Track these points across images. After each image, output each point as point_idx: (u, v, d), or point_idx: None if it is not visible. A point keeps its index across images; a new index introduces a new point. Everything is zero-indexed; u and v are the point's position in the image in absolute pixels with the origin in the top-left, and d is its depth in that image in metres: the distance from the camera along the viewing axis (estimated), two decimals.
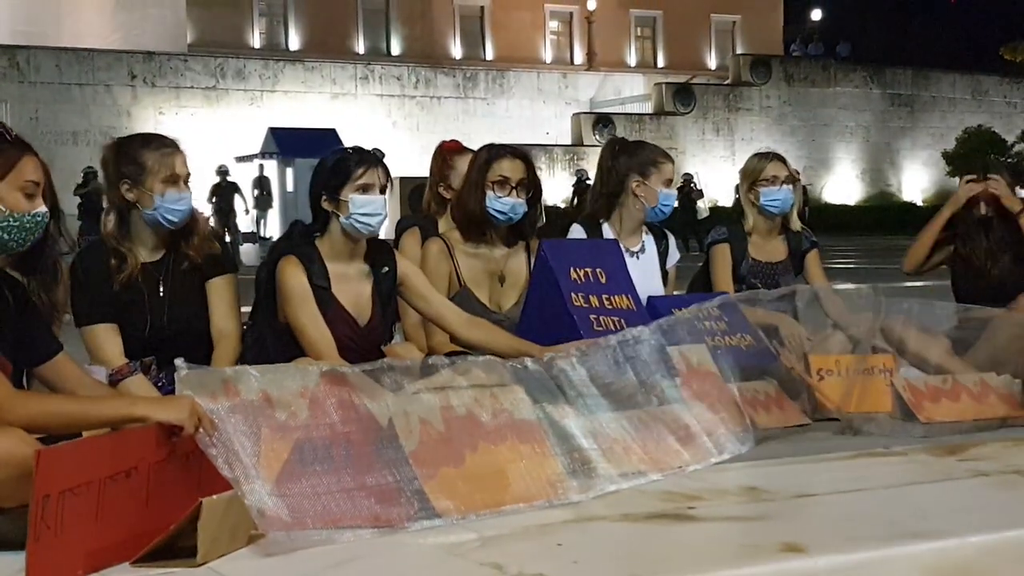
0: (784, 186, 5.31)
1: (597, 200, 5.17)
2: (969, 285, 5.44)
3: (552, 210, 25.36)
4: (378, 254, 4.17)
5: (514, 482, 3.31)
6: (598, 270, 4.53)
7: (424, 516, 3.11)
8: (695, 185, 27.23)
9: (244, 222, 27.15)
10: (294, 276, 3.98)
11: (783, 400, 4.46)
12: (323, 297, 4.01)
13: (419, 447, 3.23)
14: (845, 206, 39.03)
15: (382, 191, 4.04)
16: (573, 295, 4.38)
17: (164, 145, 4.11)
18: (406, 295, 4.24)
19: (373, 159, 4.08)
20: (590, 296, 4.42)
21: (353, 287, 4.10)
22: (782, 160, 5.44)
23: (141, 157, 4.05)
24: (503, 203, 4.55)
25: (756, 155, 5.57)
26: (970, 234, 5.49)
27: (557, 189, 30.95)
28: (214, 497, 2.85)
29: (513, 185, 4.56)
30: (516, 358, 3.75)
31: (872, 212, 37.74)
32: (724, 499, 3.41)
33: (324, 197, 4.05)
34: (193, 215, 4.14)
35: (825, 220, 33.68)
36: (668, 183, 5.12)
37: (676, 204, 5.11)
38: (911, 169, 41.68)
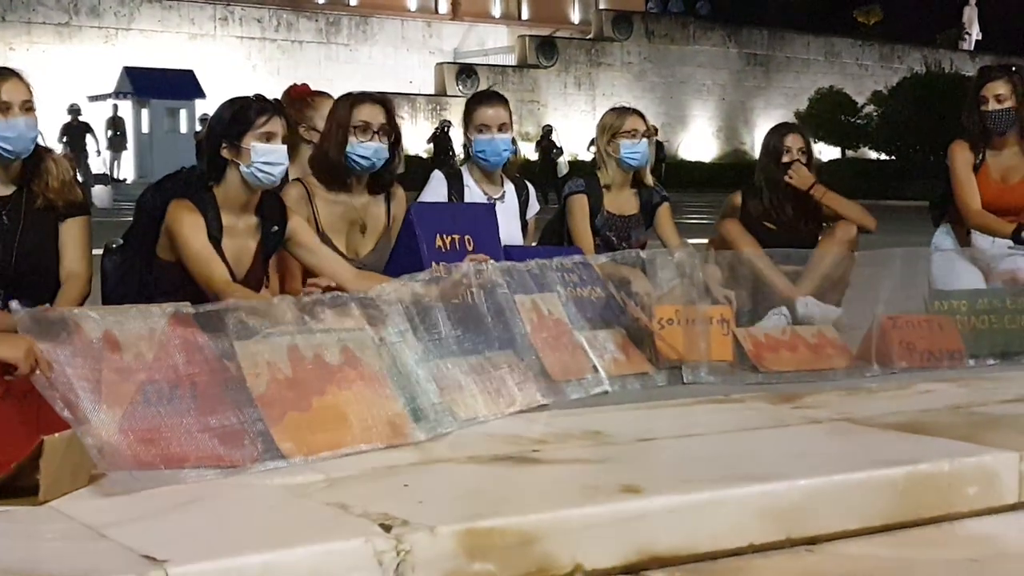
0: (642, 140, 5.42)
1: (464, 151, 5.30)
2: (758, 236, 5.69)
3: (414, 159, 25.26)
4: (270, 208, 4.12)
5: (357, 424, 3.33)
6: (467, 237, 4.56)
7: (269, 457, 3.12)
8: (555, 139, 27.33)
9: (96, 163, 26.43)
10: (189, 217, 3.91)
11: (629, 347, 4.57)
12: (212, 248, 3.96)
13: (266, 390, 3.23)
14: (700, 163, 39.77)
15: (283, 141, 3.99)
16: (435, 264, 4.38)
17: None
18: (294, 249, 4.22)
19: (274, 108, 4.02)
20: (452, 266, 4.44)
21: (239, 241, 4.05)
22: (640, 115, 5.55)
23: None
24: (366, 148, 4.53)
25: (614, 109, 5.69)
26: (769, 195, 5.73)
27: (420, 139, 30.82)
28: (55, 436, 2.81)
29: (375, 130, 4.54)
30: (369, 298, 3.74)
31: (726, 169, 38.45)
32: (568, 442, 3.49)
33: (224, 144, 3.97)
34: (44, 153, 4.03)
35: (680, 177, 34.31)
36: (482, 128, 5.12)
37: (510, 150, 5.13)
38: (764, 128, 42.22)
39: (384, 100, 4.67)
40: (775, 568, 2.85)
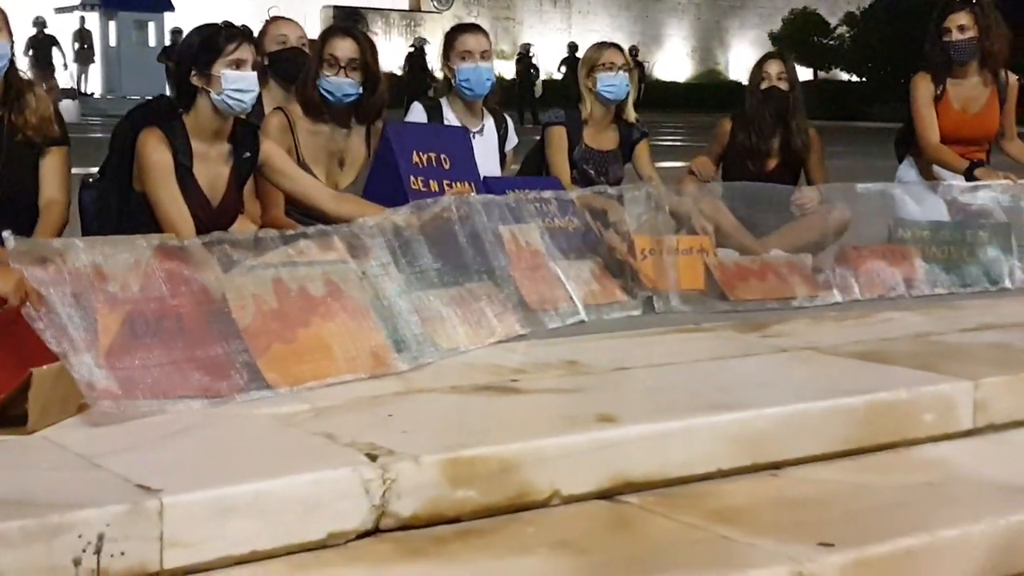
0: (620, 72, 5.46)
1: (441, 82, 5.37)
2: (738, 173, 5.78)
3: (389, 76, 25.01)
4: (242, 136, 4.16)
5: (341, 355, 3.40)
6: (442, 156, 4.61)
7: (255, 388, 3.19)
8: (533, 57, 27.14)
9: (63, 77, 26.10)
10: (157, 150, 3.95)
11: (605, 278, 4.66)
12: (183, 175, 4.00)
13: (251, 321, 3.29)
14: (675, 83, 39.60)
15: (254, 67, 4.02)
16: (412, 178, 4.46)
17: None
18: (270, 175, 4.25)
19: (244, 34, 4.04)
20: (430, 180, 4.51)
21: (212, 167, 4.09)
22: (619, 48, 5.60)
23: None
24: (329, 83, 4.58)
25: (595, 43, 5.74)
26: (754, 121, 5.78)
27: (393, 55, 30.54)
28: (44, 368, 2.88)
29: (342, 65, 4.57)
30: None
31: (700, 90, 38.39)
32: (546, 372, 3.60)
33: (194, 72, 3.99)
34: (25, 86, 4.06)
35: (655, 97, 34.12)
36: (465, 55, 5.14)
37: (492, 77, 5.17)
38: (738, 48, 42.42)
39: (356, 34, 4.68)
40: (742, 492, 2.99)
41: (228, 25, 4.08)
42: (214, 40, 4.01)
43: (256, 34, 5.02)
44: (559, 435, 2.95)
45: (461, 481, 2.74)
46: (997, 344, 4.18)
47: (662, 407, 3.23)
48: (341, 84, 4.58)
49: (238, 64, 3.98)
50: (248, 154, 4.17)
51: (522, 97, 25.48)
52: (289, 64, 5.05)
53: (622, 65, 5.46)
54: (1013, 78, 6.16)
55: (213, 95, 3.98)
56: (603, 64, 5.45)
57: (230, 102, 3.99)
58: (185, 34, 4.16)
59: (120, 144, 4.07)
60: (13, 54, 4.03)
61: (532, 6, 38.53)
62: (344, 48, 4.59)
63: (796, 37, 37.85)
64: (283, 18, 5.43)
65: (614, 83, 5.45)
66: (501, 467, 2.80)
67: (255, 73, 4.03)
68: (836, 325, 4.48)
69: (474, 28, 5.33)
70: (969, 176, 5.75)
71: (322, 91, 4.58)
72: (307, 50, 5.02)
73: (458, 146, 4.76)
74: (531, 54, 27.23)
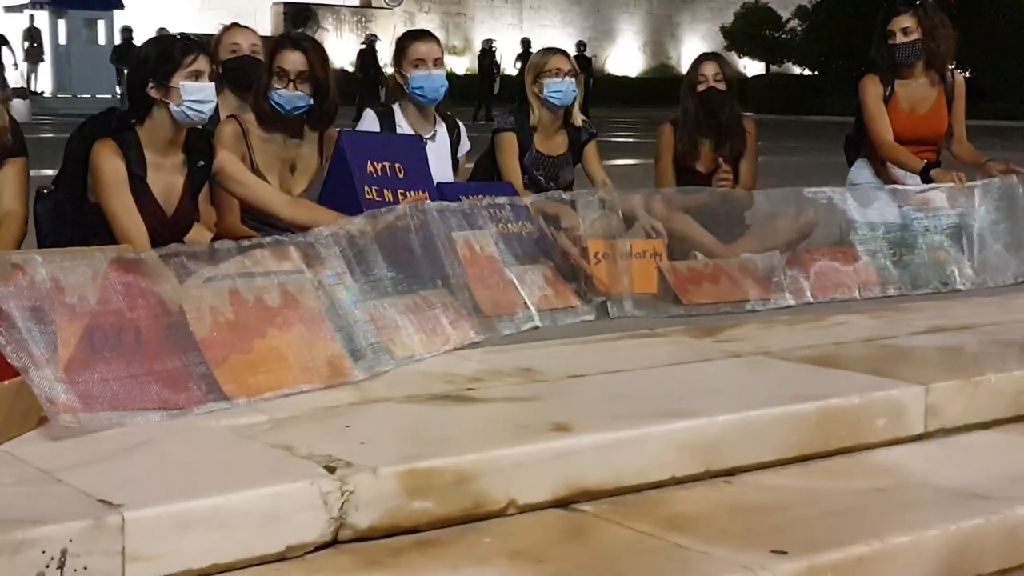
0: (567, 79, 5.50)
1: (392, 89, 5.39)
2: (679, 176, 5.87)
3: (339, 72, 24.98)
4: (196, 144, 4.17)
5: (297, 365, 3.43)
6: (396, 164, 4.64)
7: (212, 399, 3.20)
8: (495, 52, 27.09)
9: (13, 76, 25.84)
10: (110, 161, 3.96)
11: (558, 282, 4.70)
12: (138, 186, 4.01)
13: (208, 333, 3.31)
14: (627, 78, 39.80)
15: (210, 78, 4.04)
16: (367, 188, 4.49)
17: None
18: (225, 183, 4.27)
19: (200, 46, 4.07)
20: (384, 190, 4.54)
21: (166, 177, 4.10)
22: (566, 54, 5.64)
23: None
24: (280, 95, 4.61)
25: (542, 49, 5.78)
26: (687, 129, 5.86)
27: (344, 51, 30.48)
28: (5, 383, 2.90)
29: (292, 78, 4.60)
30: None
31: (652, 84, 38.58)
32: (500, 380, 3.64)
33: (151, 84, 4.00)
34: None
35: (607, 91, 34.28)
36: (419, 63, 5.18)
37: (445, 82, 5.22)
38: (690, 42, 42.67)
39: (306, 46, 4.69)
40: (696, 499, 3.04)
41: (184, 36, 4.11)
42: (171, 52, 4.02)
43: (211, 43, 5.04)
44: (514, 445, 2.99)
45: (418, 492, 2.77)
46: (948, 347, 4.26)
47: (616, 415, 3.27)
48: (291, 97, 4.62)
49: (196, 75, 4.00)
50: (202, 163, 4.19)
51: (482, 96, 25.49)
52: (242, 72, 5.07)
53: (568, 71, 5.50)
54: (960, 77, 6.27)
55: (172, 106, 4.00)
56: (549, 71, 5.48)
57: (190, 113, 4.01)
58: (140, 45, 4.16)
59: (74, 155, 4.07)
60: None
61: (483, 2, 38.58)
62: (293, 61, 4.62)
63: (748, 31, 38.16)
64: (237, 25, 5.44)
65: (560, 89, 5.49)
66: (457, 478, 2.83)
67: (212, 84, 4.06)
68: (788, 329, 4.54)
69: (425, 35, 5.35)
70: (925, 176, 5.84)
71: (273, 103, 4.61)
72: (260, 57, 5.04)
73: (412, 155, 4.79)
74: (494, 49, 27.21)
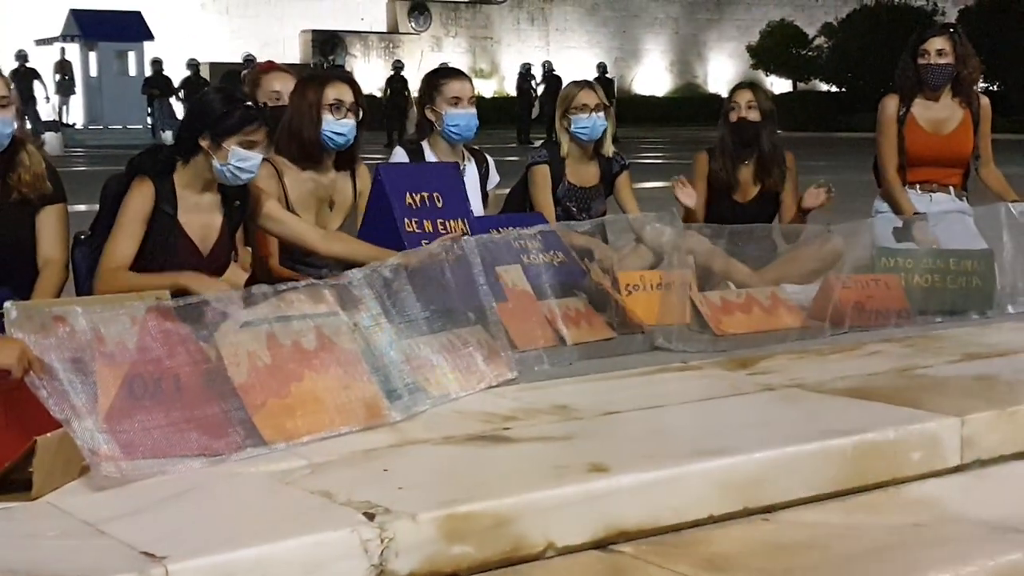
0: (594, 114, 5.53)
1: (419, 125, 5.36)
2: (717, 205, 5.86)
3: (368, 99, 25.12)
4: (233, 186, 4.21)
5: (334, 407, 3.45)
6: (435, 194, 4.68)
7: (251, 445, 3.23)
8: (533, 77, 27.32)
9: (45, 109, 26.15)
10: (139, 196, 4.03)
11: (592, 315, 4.72)
12: (167, 224, 4.07)
13: (246, 378, 3.34)
14: (654, 97, 39.81)
15: (263, 148, 4.11)
16: (407, 220, 4.53)
17: None
18: (261, 221, 4.34)
19: (262, 117, 4.12)
20: (424, 221, 4.58)
21: (203, 217, 4.16)
22: (593, 88, 5.67)
23: None
24: (342, 125, 4.67)
25: (571, 83, 5.81)
26: (729, 152, 5.86)
27: (372, 78, 30.65)
28: (48, 436, 2.93)
29: (347, 108, 4.67)
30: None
31: (679, 103, 38.61)
32: (537, 418, 3.64)
33: (205, 135, 4.05)
34: (18, 144, 4.11)
35: (635, 111, 34.37)
36: (455, 102, 5.23)
37: (467, 123, 5.27)
38: (717, 61, 42.67)
39: (351, 79, 4.84)
40: (734, 538, 3.04)
41: (251, 103, 4.17)
42: (234, 115, 4.06)
43: (243, 79, 5.09)
44: (552, 487, 3.00)
45: (457, 537, 2.78)
46: (982, 376, 4.23)
47: (652, 454, 3.27)
48: (352, 127, 4.71)
49: (251, 144, 4.07)
50: (238, 202, 4.23)
51: (521, 119, 25.70)
52: (277, 119, 5.13)
53: (596, 106, 5.53)
54: (985, 101, 6.27)
55: (217, 163, 4.06)
56: (576, 107, 5.53)
57: (229, 175, 4.08)
58: (208, 91, 4.22)
59: (111, 199, 4.12)
60: (15, 126, 4.09)
61: (509, 24, 38.71)
62: (346, 92, 4.73)
63: (774, 49, 38.09)
64: (276, 67, 5.50)
65: (587, 125, 5.53)
66: (496, 521, 2.84)
67: (261, 156, 4.13)
68: (821, 359, 4.52)
69: (459, 74, 5.43)
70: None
71: (329, 135, 4.66)
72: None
73: (447, 182, 4.82)
74: (532, 73, 27.45)
